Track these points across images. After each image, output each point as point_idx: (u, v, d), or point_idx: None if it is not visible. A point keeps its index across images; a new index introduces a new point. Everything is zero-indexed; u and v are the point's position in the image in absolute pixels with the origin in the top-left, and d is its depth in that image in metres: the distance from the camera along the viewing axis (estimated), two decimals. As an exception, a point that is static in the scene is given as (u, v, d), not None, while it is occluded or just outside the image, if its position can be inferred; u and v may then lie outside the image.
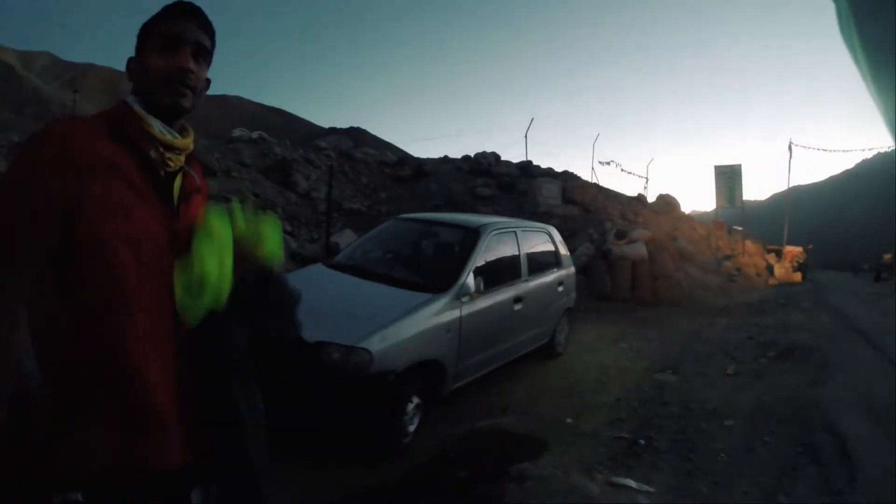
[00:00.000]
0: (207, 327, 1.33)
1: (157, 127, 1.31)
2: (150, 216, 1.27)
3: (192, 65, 1.31)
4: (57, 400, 1.19)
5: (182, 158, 1.39)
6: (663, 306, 12.09)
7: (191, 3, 1.35)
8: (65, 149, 1.18)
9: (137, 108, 1.32)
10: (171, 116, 1.34)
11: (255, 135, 18.55)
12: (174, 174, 1.38)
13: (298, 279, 5.28)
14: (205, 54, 1.37)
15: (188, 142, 1.40)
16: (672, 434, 4.82)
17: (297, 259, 9.87)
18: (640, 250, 12.75)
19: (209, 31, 1.37)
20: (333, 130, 39.49)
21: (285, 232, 11.79)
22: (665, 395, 5.82)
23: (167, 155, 1.34)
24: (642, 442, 4.60)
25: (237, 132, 18.83)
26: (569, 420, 4.97)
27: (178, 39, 1.30)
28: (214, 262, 1.31)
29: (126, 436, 1.22)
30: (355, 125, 47.09)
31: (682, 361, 7.34)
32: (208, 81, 1.43)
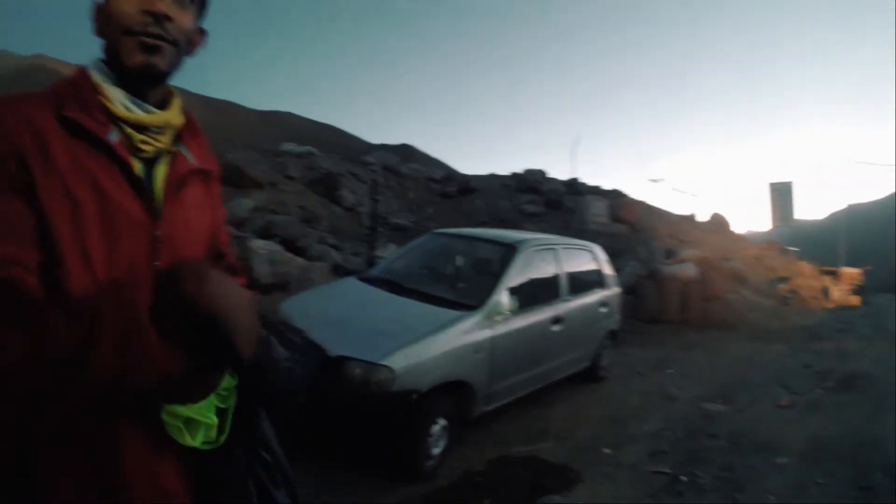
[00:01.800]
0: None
1: (118, 100, 0.97)
2: (120, 223, 0.93)
3: (166, 7, 0.96)
4: None
5: (164, 139, 1.03)
6: (714, 329, 11.55)
7: None
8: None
9: (95, 74, 0.98)
10: (143, 83, 1.00)
11: (303, 149, 18.83)
12: (155, 159, 1.03)
13: (330, 291, 5.19)
14: None
15: (170, 116, 1.04)
16: (717, 470, 4.48)
17: (339, 272, 9.83)
18: (689, 270, 12.30)
19: None
20: (383, 147, 39.87)
21: (330, 245, 11.81)
22: (713, 427, 5.46)
23: (138, 138, 0.98)
24: (684, 478, 4.28)
25: (287, 146, 19.15)
26: (607, 450, 4.68)
27: None
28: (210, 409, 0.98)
29: None
30: (405, 142, 47.51)
31: (733, 390, 6.92)
32: (203, 33, 1.09)
